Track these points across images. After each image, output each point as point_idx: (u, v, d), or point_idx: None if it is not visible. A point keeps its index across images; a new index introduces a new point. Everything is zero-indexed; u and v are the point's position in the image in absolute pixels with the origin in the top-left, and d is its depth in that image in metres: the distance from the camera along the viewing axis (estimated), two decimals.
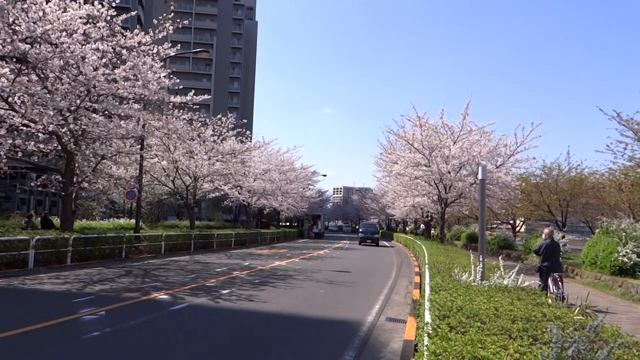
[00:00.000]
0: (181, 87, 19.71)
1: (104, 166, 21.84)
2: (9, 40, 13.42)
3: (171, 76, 19.58)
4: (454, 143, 24.65)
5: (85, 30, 15.09)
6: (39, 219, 22.03)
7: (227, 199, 37.35)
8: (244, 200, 37.81)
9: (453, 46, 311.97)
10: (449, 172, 23.99)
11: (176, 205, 46.01)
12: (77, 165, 17.57)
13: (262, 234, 38.82)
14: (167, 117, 21.07)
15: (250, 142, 34.32)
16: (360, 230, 43.57)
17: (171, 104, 20.97)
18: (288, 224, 73.37)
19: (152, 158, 26.19)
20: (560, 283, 11.46)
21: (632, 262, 14.79)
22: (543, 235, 12.59)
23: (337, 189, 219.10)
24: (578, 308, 5.96)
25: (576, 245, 30.76)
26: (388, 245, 45.02)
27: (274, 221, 58.15)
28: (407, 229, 65.68)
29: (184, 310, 9.11)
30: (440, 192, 25.57)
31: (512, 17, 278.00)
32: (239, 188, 36.07)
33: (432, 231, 45.52)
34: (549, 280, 11.75)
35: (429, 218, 36.02)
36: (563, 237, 22.12)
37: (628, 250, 14.99)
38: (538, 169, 30.96)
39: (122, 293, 10.61)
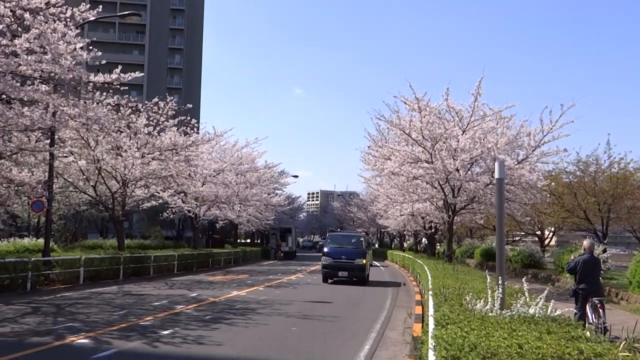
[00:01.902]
0: (104, 61, 19.46)
1: (1, 168, 21.42)
2: None
3: (91, 48, 19.31)
4: (463, 132, 24.88)
5: None
6: None
7: (168, 209, 37.01)
8: (189, 211, 37.54)
9: (458, 9, 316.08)
10: (458, 170, 24.21)
11: (99, 219, 45.37)
12: None
13: (214, 255, 38.56)
14: (85, 102, 20.77)
15: (197, 133, 34.02)
16: (326, 250, 27.52)
17: (91, 84, 20.68)
18: (249, 240, 73.19)
19: (66, 157, 25.78)
20: (601, 310, 11.66)
21: None
22: (581, 249, 12.79)
23: (313, 193, 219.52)
24: (624, 342, 6.06)
25: (621, 260, 31.38)
26: (380, 265, 45.25)
27: (230, 238, 57.93)
28: (405, 244, 66.15)
29: (111, 359, 9.01)
30: (446, 196, 25.80)
31: None
32: (182, 195, 35.78)
33: (437, 247, 45.90)
34: (587, 307, 11.95)
35: (433, 230, 36.31)
36: (604, 251, 22.57)
37: None
38: (571, 164, 31.60)
39: (28, 338, 10.44)
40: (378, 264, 44.79)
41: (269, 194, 50.50)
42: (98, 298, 17.59)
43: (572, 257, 13.20)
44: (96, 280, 22.55)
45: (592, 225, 31.64)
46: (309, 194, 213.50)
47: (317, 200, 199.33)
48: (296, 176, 63.73)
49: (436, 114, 24.94)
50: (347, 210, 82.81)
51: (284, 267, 40.20)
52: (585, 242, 12.64)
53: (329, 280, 26.54)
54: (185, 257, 32.29)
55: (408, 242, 67.01)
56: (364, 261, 26.14)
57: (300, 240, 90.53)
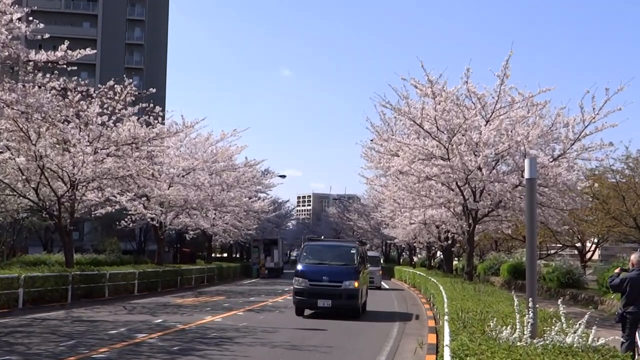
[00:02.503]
0: (48, 36, 19.41)
1: None
2: None
3: (31, 18, 19.26)
4: (487, 122, 24.93)
5: None
6: None
7: (126, 217, 36.93)
8: (153, 219, 37.42)
9: None
10: (480, 169, 24.27)
11: (42, 229, 45.26)
12: None
13: (183, 273, 38.51)
14: (24, 86, 20.74)
15: (163, 124, 33.97)
16: (300, 268, 22.86)
17: (31, 64, 20.61)
18: (225, 255, 73.26)
19: (0, 152, 25.71)
20: None
21: None
22: (629, 265, 12.84)
23: (304, 197, 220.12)
24: None
25: None
26: (385, 284, 45.28)
27: (202, 251, 57.99)
28: (415, 259, 66.31)
29: None
30: (466, 201, 25.84)
31: None
32: (144, 199, 35.72)
33: (454, 262, 45.96)
34: (637, 335, 11.99)
35: (450, 242, 36.38)
36: None
37: None
38: (618, 161, 31.59)
39: None
40: (384, 284, 44.81)
41: (250, 198, 50.47)
42: (41, 325, 17.50)
43: (616, 271, 13.27)
44: (39, 304, 22.36)
45: None
46: (299, 197, 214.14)
47: (309, 205, 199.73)
48: (283, 176, 63.86)
49: (454, 100, 24.98)
50: (345, 218, 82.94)
51: (268, 287, 40.20)
52: (634, 256, 12.68)
53: (305, 312, 22.48)
54: (147, 275, 32.20)
55: (419, 256, 67.19)
56: (356, 284, 21.30)
57: (294, 254, 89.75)
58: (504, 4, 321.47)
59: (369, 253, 42.51)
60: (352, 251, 23.26)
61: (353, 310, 21.71)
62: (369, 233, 72.53)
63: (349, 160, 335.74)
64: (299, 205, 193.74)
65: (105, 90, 28.88)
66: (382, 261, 53.66)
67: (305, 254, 23.34)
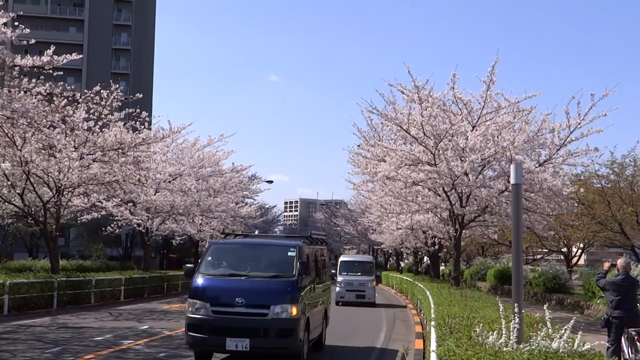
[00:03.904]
0: (33, 40, 19.34)
1: None
2: None
3: (17, 23, 19.19)
4: (473, 128, 24.99)
5: None
6: None
7: (112, 222, 36.82)
8: (139, 225, 37.31)
9: None
10: (466, 174, 24.32)
11: (28, 235, 45.04)
12: None
13: (170, 279, 38.39)
14: (10, 91, 20.64)
15: (149, 129, 33.88)
16: (197, 284, 14.25)
17: (17, 69, 20.52)
18: None
19: None
20: (638, 343, 11.76)
21: None
22: (615, 269, 12.93)
23: (291, 202, 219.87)
24: None
25: None
26: (378, 297, 45.24)
27: (189, 257, 57.68)
28: (402, 264, 66.37)
29: None
30: (452, 206, 25.90)
31: None
32: (131, 205, 35.60)
33: (441, 267, 46.02)
34: (623, 340, 12.05)
35: (437, 247, 36.44)
36: None
37: None
38: (603, 167, 31.71)
39: None
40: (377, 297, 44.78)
41: (237, 204, 50.35)
42: (26, 332, 17.41)
43: (605, 266, 13.36)
44: (24, 310, 22.28)
45: (629, 240, 31.87)
46: (286, 202, 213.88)
47: (296, 210, 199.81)
48: (270, 181, 63.69)
49: (440, 106, 25.06)
50: (332, 223, 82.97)
51: None
52: (620, 261, 12.77)
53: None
54: (134, 281, 32.07)
55: (406, 261, 67.26)
56: (293, 310, 13.27)
57: None
58: (490, 10, 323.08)
59: (358, 258, 41.24)
60: (289, 253, 14.33)
61: (289, 356, 13.97)
62: (356, 238, 72.65)
63: (336, 165, 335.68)
64: (286, 211, 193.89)
65: (92, 95, 28.80)
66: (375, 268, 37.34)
67: (210, 259, 14.45)
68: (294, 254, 14.20)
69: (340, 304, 31.06)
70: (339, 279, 33.09)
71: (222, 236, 18.69)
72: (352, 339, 18.16)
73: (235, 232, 24.72)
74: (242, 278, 13.78)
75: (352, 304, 31.03)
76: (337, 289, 32.05)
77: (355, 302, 31.58)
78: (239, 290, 13.34)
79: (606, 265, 13.43)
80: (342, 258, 37.55)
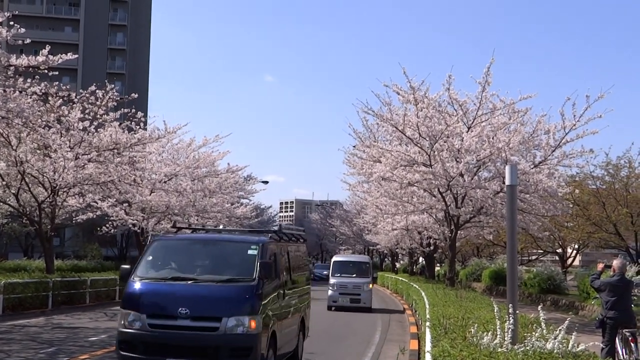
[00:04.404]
0: (29, 40, 19.29)
1: None
2: None
3: (12, 23, 19.15)
4: (469, 129, 25.04)
5: None
6: None
7: (108, 223, 36.73)
8: (134, 225, 37.20)
9: None
10: (462, 175, 24.35)
11: (22, 235, 44.94)
12: None
13: None
14: (5, 91, 20.60)
15: (145, 130, 33.87)
16: (132, 290, 11.71)
17: (12, 68, 20.47)
18: None
19: None
20: (633, 344, 11.81)
21: None
22: (611, 270, 12.96)
23: (287, 203, 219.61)
24: None
25: None
26: (375, 302, 45.22)
27: None
28: (397, 265, 66.39)
29: None
30: (448, 207, 25.91)
31: None
32: (126, 205, 35.53)
33: (436, 268, 46.03)
34: (617, 341, 12.08)
35: (432, 248, 36.48)
36: (639, 272, 22.78)
37: None
38: (598, 168, 31.82)
39: None
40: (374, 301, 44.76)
41: (232, 204, 50.26)
42: (21, 332, 17.38)
43: (599, 267, 13.39)
44: (19, 310, 22.23)
45: (623, 241, 31.96)
46: (281, 203, 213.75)
47: (292, 211, 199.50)
48: (266, 182, 63.58)
49: (436, 107, 25.11)
50: (327, 224, 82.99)
51: None
52: (616, 262, 12.79)
53: None
54: None
55: (401, 262, 67.30)
56: (252, 323, 10.85)
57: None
58: (486, 11, 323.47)
59: (353, 258, 38.44)
60: (249, 252, 11.87)
61: None
62: (351, 239, 72.61)
63: (332, 166, 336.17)
64: (282, 211, 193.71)
65: (87, 95, 28.78)
66: (372, 269, 34.07)
67: (150, 258, 12.06)
68: (255, 252, 11.63)
69: (333, 308, 29.10)
70: (332, 281, 30.16)
71: (174, 230, 15.02)
72: (342, 343, 18.15)
73: (192, 226, 20.58)
74: (188, 283, 11.26)
75: (346, 308, 28.71)
76: (330, 292, 29.84)
77: (350, 306, 28.93)
78: (184, 298, 10.89)
79: (600, 266, 13.46)
80: (335, 258, 34.54)
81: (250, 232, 15.76)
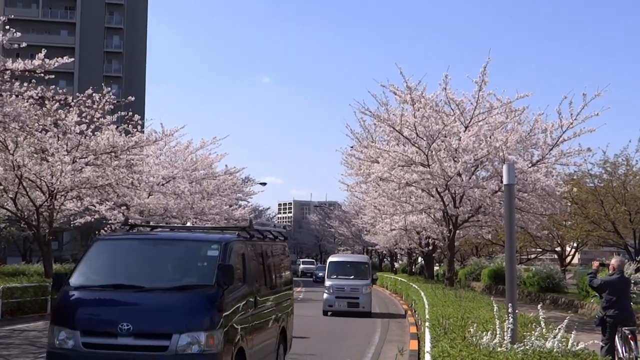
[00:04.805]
0: (25, 44, 19.27)
1: None
2: None
3: (8, 27, 19.14)
4: (466, 128, 25.06)
5: None
6: None
7: (106, 226, 36.70)
8: None
9: None
10: (459, 175, 24.36)
11: (21, 239, 44.90)
12: None
13: None
14: (1, 95, 20.58)
15: (142, 133, 33.79)
16: (64, 301, 9.73)
17: (8, 72, 20.46)
18: None
19: None
20: (632, 342, 11.81)
21: None
22: (609, 269, 12.97)
23: (285, 204, 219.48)
24: None
25: None
26: (375, 306, 45.26)
27: None
28: (396, 265, 66.42)
29: None
30: (446, 206, 25.94)
31: None
32: (124, 208, 35.51)
33: (435, 268, 46.04)
34: (616, 339, 12.08)
35: (431, 248, 36.51)
36: (637, 270, 22.82)
37: None
38: (596, 166, 31.87)
39: None
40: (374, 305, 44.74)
41: (230, 206, 50.26)
42: (20, 337, 17.35)
43: (594, 265, 13.39)
44: (17, 315, 22.17)
45: (622, 239, 32.02)
46: (279, 204, 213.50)
47: (290, 212, 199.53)
48: (264, 183, 63.53)
49: (433, 107, 25.14)
50: (326, 225, 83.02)
51: None
52: (614, 261, 12.80)
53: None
54: None
55: (400, 262, 67.32)
56: (211, 340, 8.89)
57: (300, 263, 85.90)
58: (482, 11, 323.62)
59: (351, 258, 35.43)
60: (209, 253, 10.03)
61: None
62: (350, 240, 72.68)
63: (330, 167, 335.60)
64: (280, 213, 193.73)
65: (84, 98, 28.73)
66: (371, 270, 31.49)
67: (89, 263, 10.08)
68: (215, 253, 9.67)
69: (329, 313, 27.10)
70: (327, 283, 27.88)
71: (127, 228, 12.40)
72: (342, 343, 18.15)
73: (147, 223, 16.52)
74: (133, 292, 9.33)
75: (343, 313, 26.63)
76: (325, 295, 27.62)
77: (347, 311, 26.80)
78: (126, 312, 9.03)
79: (595, 264, 13.48)
80: (331, 258, 31.79)
81: (216, 230, 13.44)
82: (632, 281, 18.30)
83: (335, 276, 28.28)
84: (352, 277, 28.16)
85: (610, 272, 12.75)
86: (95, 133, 29.43)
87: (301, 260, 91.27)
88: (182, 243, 10.55)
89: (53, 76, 22.77)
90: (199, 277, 9.67)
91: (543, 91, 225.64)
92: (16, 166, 26.58)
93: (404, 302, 32.97)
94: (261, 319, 10.79)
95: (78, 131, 28.14)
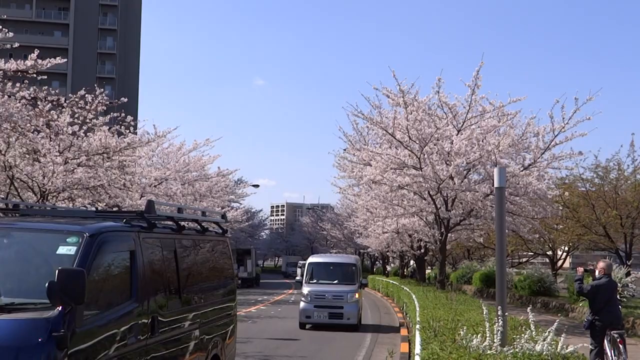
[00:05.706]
0: (18, 45, 19.24)
1: None
2: None
3: (1, 27, 19.09)
4: (458, 132, 25.09)
5: None
6: None
7: None
8: None
9: None
10: (452, 178, 24.39)
11: None
12: None
13: None
14: None
15: (134, 134, 33.71)
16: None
17: (0, 72, 20.41)
18: None
19: None
20: (621, 345, 11.84)
21: None
22: (597, 272, 12.98)
23: (277, 206, 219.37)
24: None
25: None
26: (369, 316, 45.29)
27: None
28: (388, 268, 66.45)
29: None
30: (438, 209, 25.97)
31: None
32: (116, 209, 35.48)
33: (427, 271, 46.08)
34: (605, 342, 12.11)
35: (422, 251, 36.51)
36: (628, 274, 22.89)
37: None
38: (588, 170, 31.88)
39: None
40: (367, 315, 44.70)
41: (222, 208, 50.22)
42: None
43: (579, 272, 13.41)
44: None
45: (613, 243, 32.00)
46: (272, 206, 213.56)
47: (283, 214, 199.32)
48: (257, 185, 63.76)
49: (425, 110, 25.15)
50: (318, 227, 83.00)
51: (241, 297, 39.99)
52: (602, 264, 12.79)
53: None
54: None
55: (392, 265, 67.35)
56: None
57: (261, 263, 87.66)
58: (475, 15, 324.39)
59: (335, 258, 28.51)
60: (59, 250, 6.28)
61: None
62: (342, 242, 72.67)
63: (323, 169, 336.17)
64: (273, 215, 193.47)
65: (77, 99, 28.64)
66: (361, 273, 25.82)
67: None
68: (71, 251, 6.23)
69: (307, 326, 22.12)
70: (305, 290, 22.70)
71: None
72: (333, 345, 18.12)
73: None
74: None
75: (323, 326, 21.73)
76: (302, 304, 22.37)
77: (328, 324, 21.74)
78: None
79: (580, 270, 13.46)
80: (311, 259, 25.98)
81: (99, 216, 8.21)
82: (621, 285, 18.35)
83: (314, 281, 23.60)
84: (335, 281, 23.44)
85: (598, 274, 12.73)
86: (88, 134, 29.35)
87: (287, 261, 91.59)
88: (22, 234, 6.89)
89: (46, 77, 22.72)
90: (34, 291, 5.93)
91: (536, 96, 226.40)
92: (8, 167, 26.49)
93: (395, 305, 32.96)
94: (166, 350, 7.50)
95: (70, 132, 28.04)
